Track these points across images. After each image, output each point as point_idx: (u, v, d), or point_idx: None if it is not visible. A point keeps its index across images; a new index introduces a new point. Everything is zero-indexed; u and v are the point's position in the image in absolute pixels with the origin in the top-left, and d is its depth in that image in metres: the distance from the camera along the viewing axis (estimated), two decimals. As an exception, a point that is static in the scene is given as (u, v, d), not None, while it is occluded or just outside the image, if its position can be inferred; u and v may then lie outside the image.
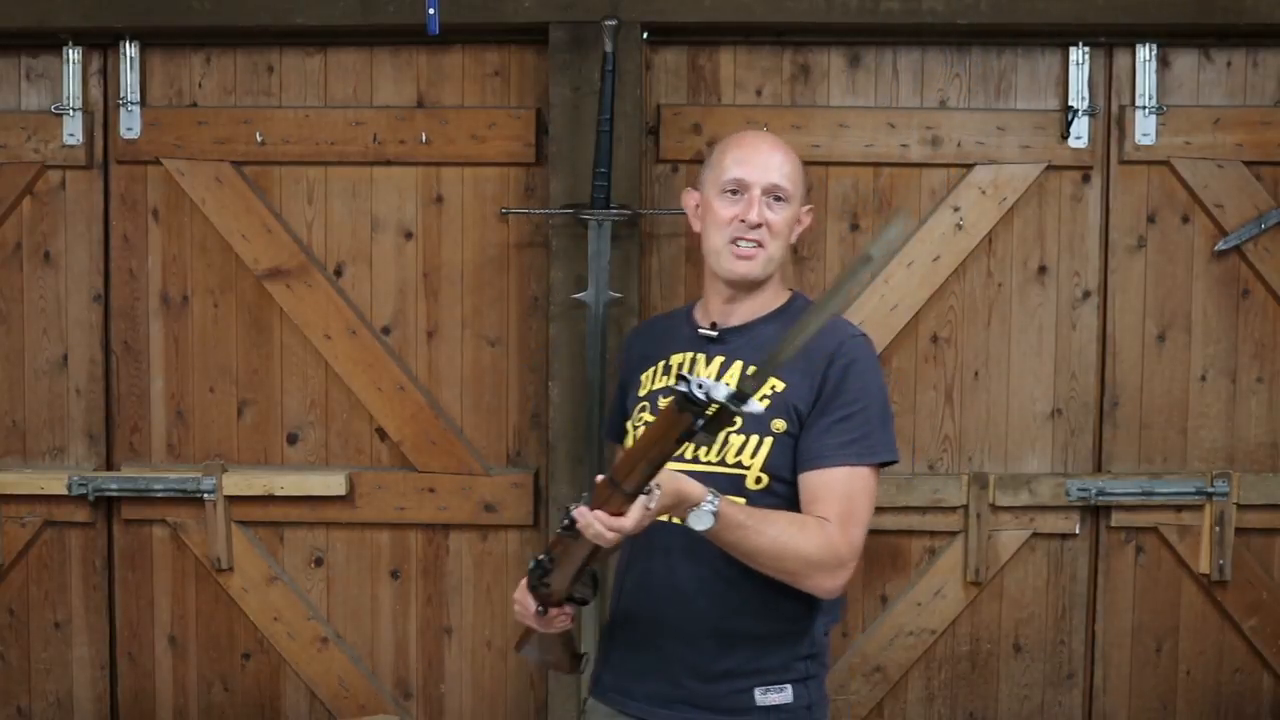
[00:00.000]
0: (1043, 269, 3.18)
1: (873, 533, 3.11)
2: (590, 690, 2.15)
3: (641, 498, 1.73)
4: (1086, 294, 3.17)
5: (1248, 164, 3.11)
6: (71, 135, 3.20)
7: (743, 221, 2.00)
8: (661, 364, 2.12)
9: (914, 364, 3.19)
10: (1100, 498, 3.11)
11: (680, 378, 1.68)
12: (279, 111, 3.21)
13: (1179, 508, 3.14)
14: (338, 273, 3.24)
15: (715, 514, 1.80)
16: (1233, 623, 3.18)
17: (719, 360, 2.04)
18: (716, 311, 2.08)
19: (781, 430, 1.96)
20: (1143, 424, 3.18)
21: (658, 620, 2.01)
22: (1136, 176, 3.15)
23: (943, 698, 3.23)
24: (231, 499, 3.21)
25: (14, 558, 3.28)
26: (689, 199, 2.14)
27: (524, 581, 1.96)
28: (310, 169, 3.22)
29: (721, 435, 1.91)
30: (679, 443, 1.69)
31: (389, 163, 3.20)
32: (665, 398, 2.02)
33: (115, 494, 3.23)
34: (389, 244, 3.24)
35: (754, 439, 1.96)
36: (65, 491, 3.20)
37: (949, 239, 3.14)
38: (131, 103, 3.20)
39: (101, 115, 3.24)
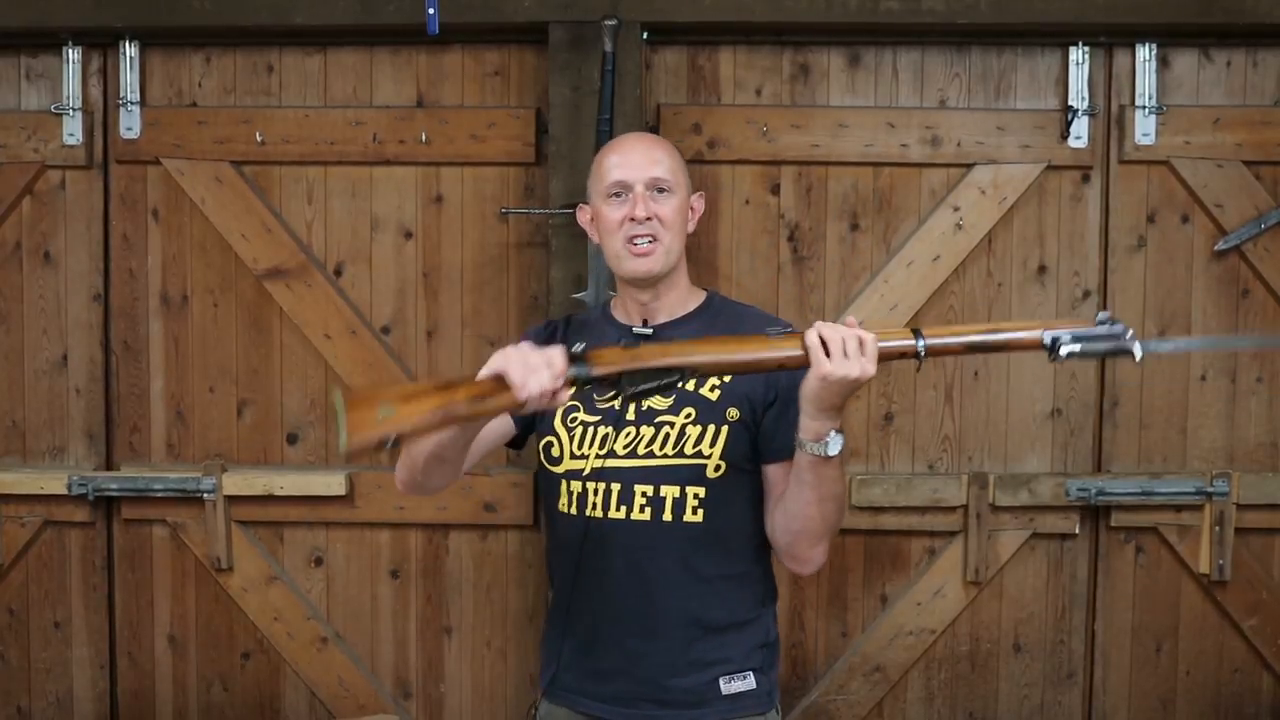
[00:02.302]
0: (1042, 269, 3.18)
1: (873, 533, 3.17)
2: (543, 693, 2.12)
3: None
4: (1086, 294, 3.17)
5: (1248, 164, 3.11)
6: (71, 135, 3.20)
7: (632, 220, 2.01)
8: None
9: (914, 364, 3.18)
10: (1100, 498, 3.11)
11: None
12: (279, 111, 3.21)
13: (1179, 508, 3.14)
14: (337, 272, 3.24)
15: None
16: (1232, 623, 3.18)
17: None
18: (640, 312, 2.08)
19: (735, 419, 1.98)
20: (1142, 424, 3.18)
21: (621, 618, 2.01)
22: (1136, 176, 3.15)
23: (943, 697, 3.23)
24: (231, 499, 3.21)
25: (14, 558, 3.28)
26: (582, 215, 2.14)
27: (562, 352, 1.74)
28: (310, 169, 3.22)
29: (678, 427, 1.96)
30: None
31: (389, 162, 3.20)
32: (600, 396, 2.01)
33: (115, 494, 3.23)
34: (389, 244, 3.24)
35: (710, 428, 1.98)
36: (65, 491, 3.20)
37: (949, 239, 3.14)
38: (131, 103, 3.20)
39: (101, 115, 3.24)
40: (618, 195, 2.03)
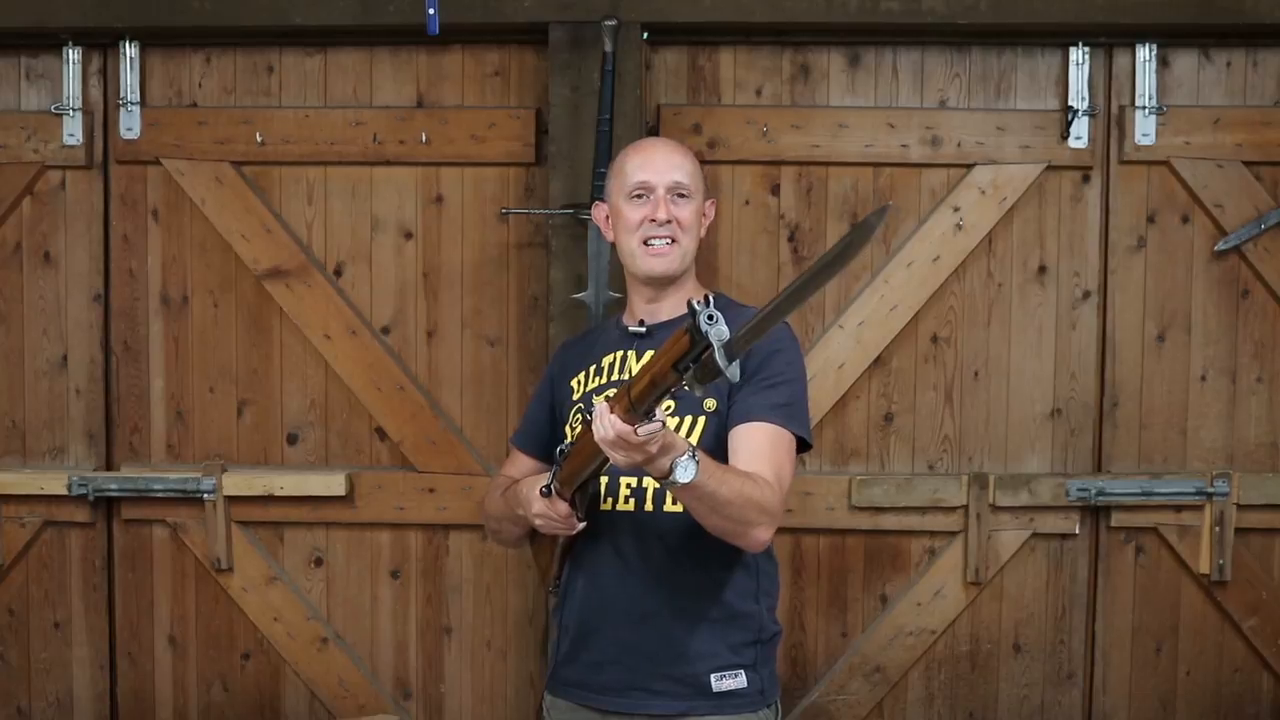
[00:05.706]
0: (1043, 269, 3.18)
1: (873, 533, 3.18)
2: (546, 687, 2.20)
3: (646, 421, 1.72)
4: (1086, 294, 3.17)
5: (1248, 164, 3.11)
6: (71, 135, 3.20)
7: (652, 221, 2.08)
8: (593, 367, 2.18)
9: (914, 364, 3.19)
10: (1100, 498, 3.11)
11: (690, 309, 1.63)
12: (279, 111, 3.21)
13: (1179, 508, 3.14)
14: (337, 273, 3.24)
15: (699, 463, 1.81)
16: (1233, 623, 3.18)
17: (649, 354, 2.07)
18: (642, 312, 2.16)
19: (712, 409, 2.04)
20: (1143, 424, 3.18)
21: (611, 609, 2.05)
22: (1136, 176, 3.15)
23: (943, 698, 3.23)
24: (231, 499, 3.21)
25: (14, 558, 3.28)
26: (598, 211, 2.23)
27: (537, 491, 2.01)
28: (310, 169, 3.22)
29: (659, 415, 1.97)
30: (676, 371, 1.66)
31: (389, 163, 3.20)
32: (598, 395, 2.09)
33: (115, 494, 3.23)
34: (389, 244, 3.24)
35: (689, 419, 2.04)
36: (65, 491, 3.20)
37: (949, 239, 3.14)
38: (131, 103, 3.20)
39: (101, 115, 3.24)
40: (640, 196, 2.09)
